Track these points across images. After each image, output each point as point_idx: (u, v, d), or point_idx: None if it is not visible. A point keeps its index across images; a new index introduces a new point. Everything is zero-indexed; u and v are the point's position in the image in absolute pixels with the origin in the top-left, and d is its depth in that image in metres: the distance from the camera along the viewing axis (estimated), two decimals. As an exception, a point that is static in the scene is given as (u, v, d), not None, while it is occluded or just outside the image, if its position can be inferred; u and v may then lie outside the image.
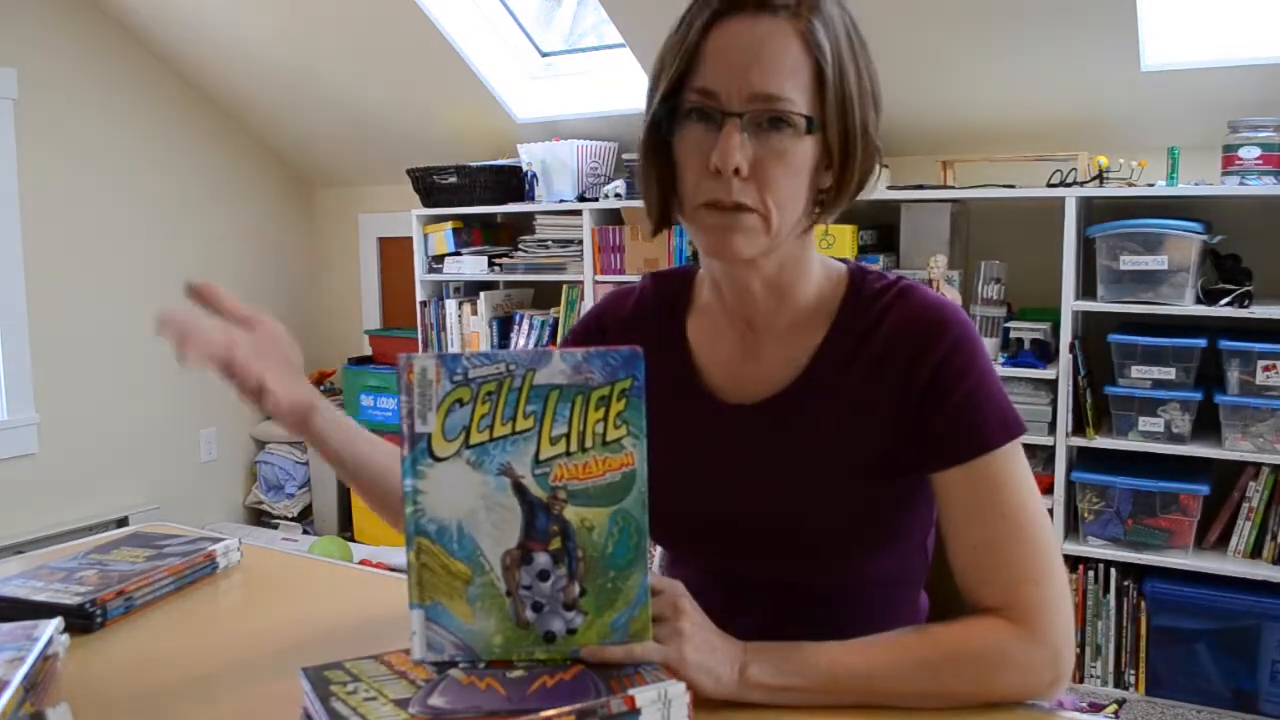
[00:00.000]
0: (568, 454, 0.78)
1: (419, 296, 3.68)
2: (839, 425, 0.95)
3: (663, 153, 0.94)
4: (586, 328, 1.12)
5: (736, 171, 0.87)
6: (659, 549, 1.16)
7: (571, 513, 0.78)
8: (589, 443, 0.78)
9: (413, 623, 0.78)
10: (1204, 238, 2.46)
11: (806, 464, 0.96)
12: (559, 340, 1.18)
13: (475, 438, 0.77)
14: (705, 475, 1.00)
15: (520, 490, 0.78)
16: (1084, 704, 2.60)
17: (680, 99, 0.90)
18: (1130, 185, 2.58)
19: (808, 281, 0.99)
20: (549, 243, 3.47)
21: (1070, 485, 2.63)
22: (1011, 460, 0.90)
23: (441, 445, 0.77)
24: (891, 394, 0.93)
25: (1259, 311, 2.40)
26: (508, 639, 0.78)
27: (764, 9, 0.88)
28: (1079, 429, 2.61)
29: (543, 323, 3.53)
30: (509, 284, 3.75)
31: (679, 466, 1.01)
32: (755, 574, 0.99)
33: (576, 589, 0.78)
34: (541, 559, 0.78)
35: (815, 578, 0.97)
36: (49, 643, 0.89)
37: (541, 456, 0.77)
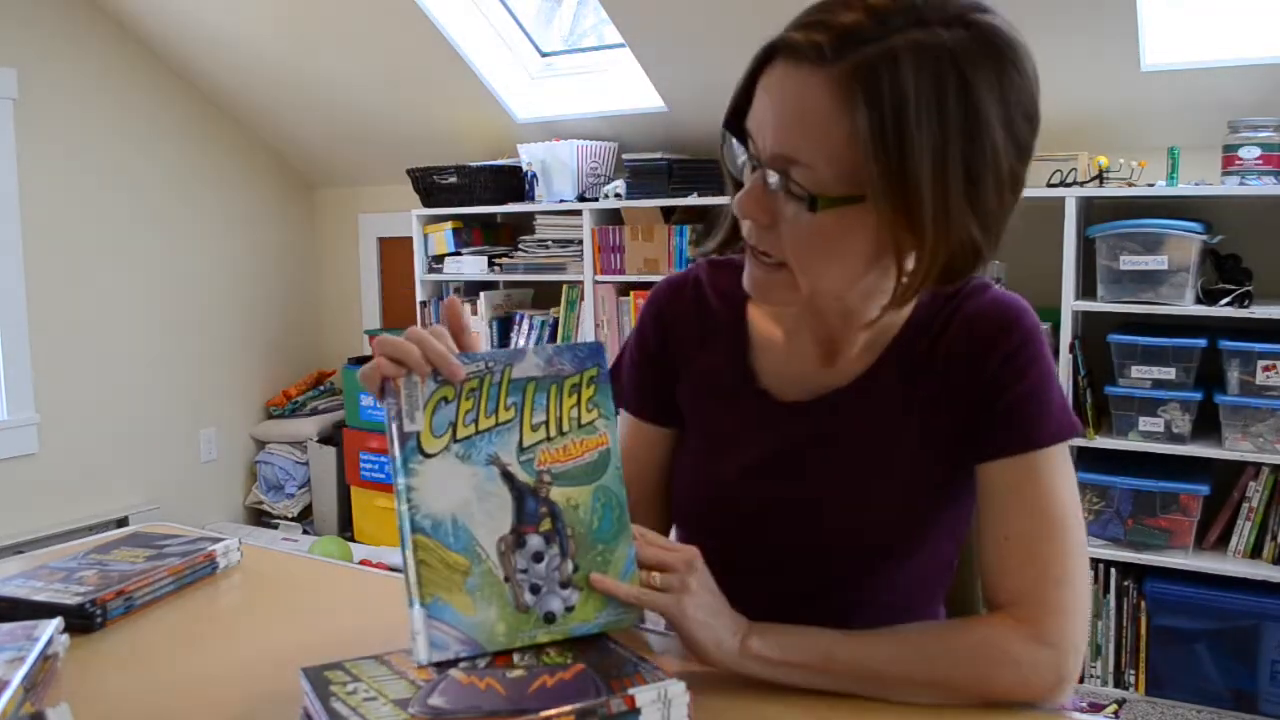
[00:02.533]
0: (548, 439, 0.83)
1: (419, 296, 3.68)
2: (896, 422, 0.95)
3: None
4: (645, 332, 1.08)
5: (756, 220, 0.85)
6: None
7: (558, 493, 0.82)
8: (566, 427, 0.83)
9: (414, 623, 0.77)
10: (1204, 238, 2.46)
11: (857, 461, 0.96)
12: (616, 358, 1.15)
13: (462, 432, 0.80)
14: (754, 472, 0.99)
15: (509, 477, 0.81)
16: (1084, 704, 2.60)
17: (738, 130, 0.86)
18: (1130, 185, 2.58)
19: (885, 299, 0.92)
20: (549, 243, 3.47)
21: (1070, 485, 2.62)
22: (1059, 460, 0.90)
23: (430, 442, 0.79)
24: (956, 389, 0.93)
25: (1259, 311, 2.40)
26: (510, 625, 0.79)
27: (808, 57, 0.77)
28: (1079, 429, 2.61)
29: (543, 322, 3.53)
30: (509, 284, 3.75)
31: (727, 462, 1.01)
32: (785, 578, 0.98)
33: (570, 566, 0.81)
34: (534, 541, 0.81)
35: (848, 578, 0.97)
36: (49, 643, 0.89)
37: (525, 444, 0.82)
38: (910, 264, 0.81)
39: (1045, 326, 2.62)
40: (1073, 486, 0.91)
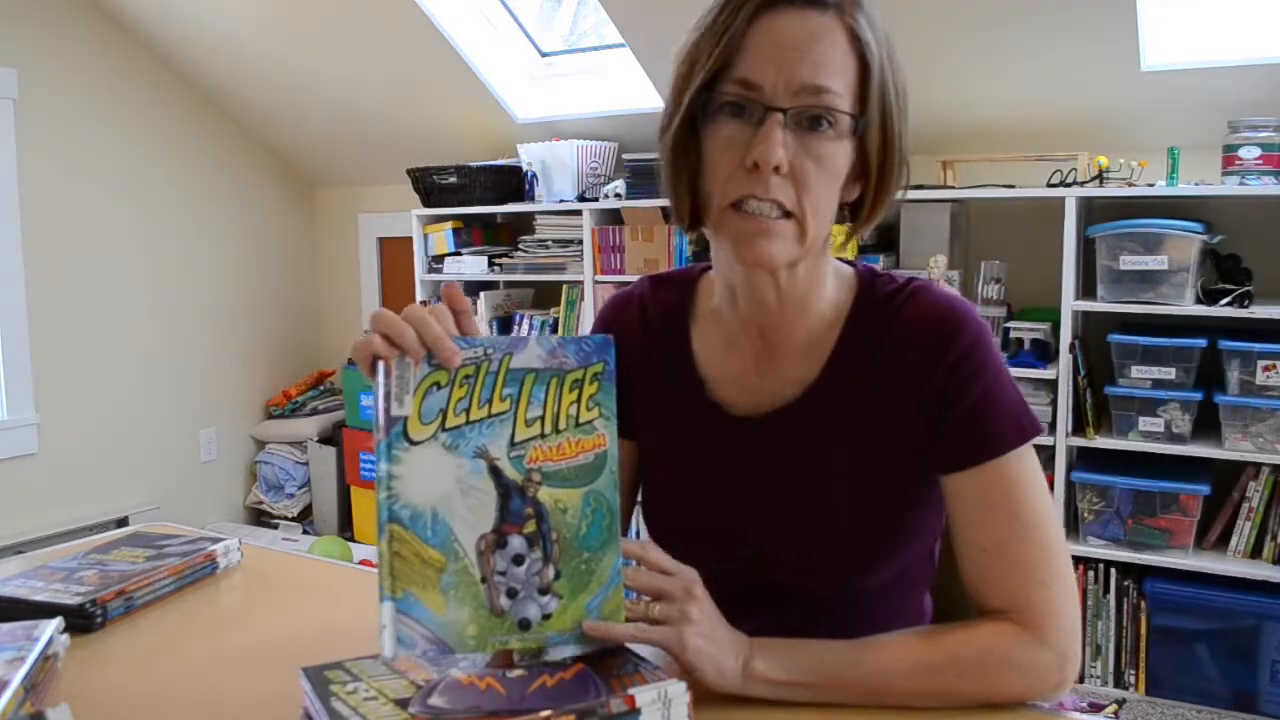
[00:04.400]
0: (542, 436, 0.78)
1: (419, 296, 3.68)
2: (851, 433, 0.94)
3: (693, 149, 0.90)
4: None
5: (777, 169, 0.83)
6: None
7: (546, 494, 0.78)
8: (563, 424, 0.79)
9: (382, 617, 0.73)
10: (1204, 238, 2.46)
11: (818, 474, 0.95)
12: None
13: (451, 421, 0.76)
14: (716, 487, 0.99)
15: (496, 473, 0.77)
16: (1084, 704, 2.60)
17: (716, 91, 0.86)
18: (1130, 185, 2.58)
19: (822, 291, 0.96)
20: (549, 243, 3.47)
21: (1070, 485, 2.63)
22: (1023, 461, 0.89)
23: (418, 429, 0.75)
24: (906, 397, 0.92)
25: (1259, 311, 2.40)
26: (482, 628, 0.76)
27: (812, 4, 0.85)
28: (1079, 429, 2.61)
29: (543, 322, 3.53)
30: (509, 284, 3.75)
31: (688, 478, 1.00)
32: (764, 580, 0.98)
33: (551, 572, 0.77)
34: (516, 542, 0.77)
35: (825, 583, 0.97)
36: (49, 643, 0.89)
37: (517, 439, 0.78)
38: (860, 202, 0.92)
39: (1046, 326, 2.65)
40: (1041, 483, 0.90)
